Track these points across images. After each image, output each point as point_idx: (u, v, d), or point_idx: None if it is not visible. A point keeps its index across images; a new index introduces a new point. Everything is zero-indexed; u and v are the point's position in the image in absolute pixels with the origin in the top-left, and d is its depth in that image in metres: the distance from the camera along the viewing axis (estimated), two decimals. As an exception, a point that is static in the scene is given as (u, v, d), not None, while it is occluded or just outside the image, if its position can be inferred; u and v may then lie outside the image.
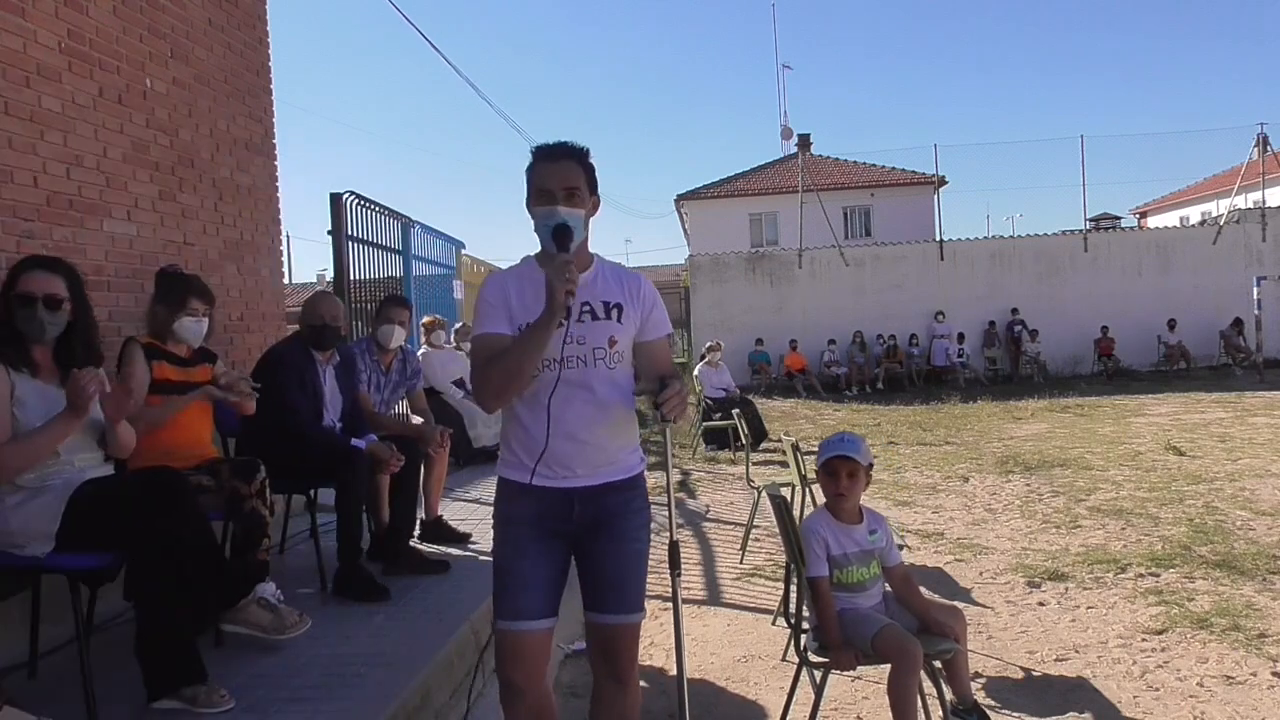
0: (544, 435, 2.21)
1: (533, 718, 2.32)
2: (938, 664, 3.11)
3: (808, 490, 5.56)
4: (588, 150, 2.29)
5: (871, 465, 3.24)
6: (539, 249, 2.34)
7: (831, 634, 3.02)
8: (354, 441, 4.27)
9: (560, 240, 2.19)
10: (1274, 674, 3.60)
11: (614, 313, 2.28)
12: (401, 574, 4.31)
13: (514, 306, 2.23)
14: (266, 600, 3.37)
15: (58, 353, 3.05)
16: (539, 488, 2.26)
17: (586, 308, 2.26)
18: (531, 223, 2.29)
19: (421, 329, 8.01)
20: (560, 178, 2.22)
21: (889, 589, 3.26)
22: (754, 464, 8.14)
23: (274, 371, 4.23)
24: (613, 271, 2.38)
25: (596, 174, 2.31)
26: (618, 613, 2.29)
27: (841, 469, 3.16)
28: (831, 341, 19.06)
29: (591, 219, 2.31)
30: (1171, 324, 18.56)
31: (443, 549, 4.85)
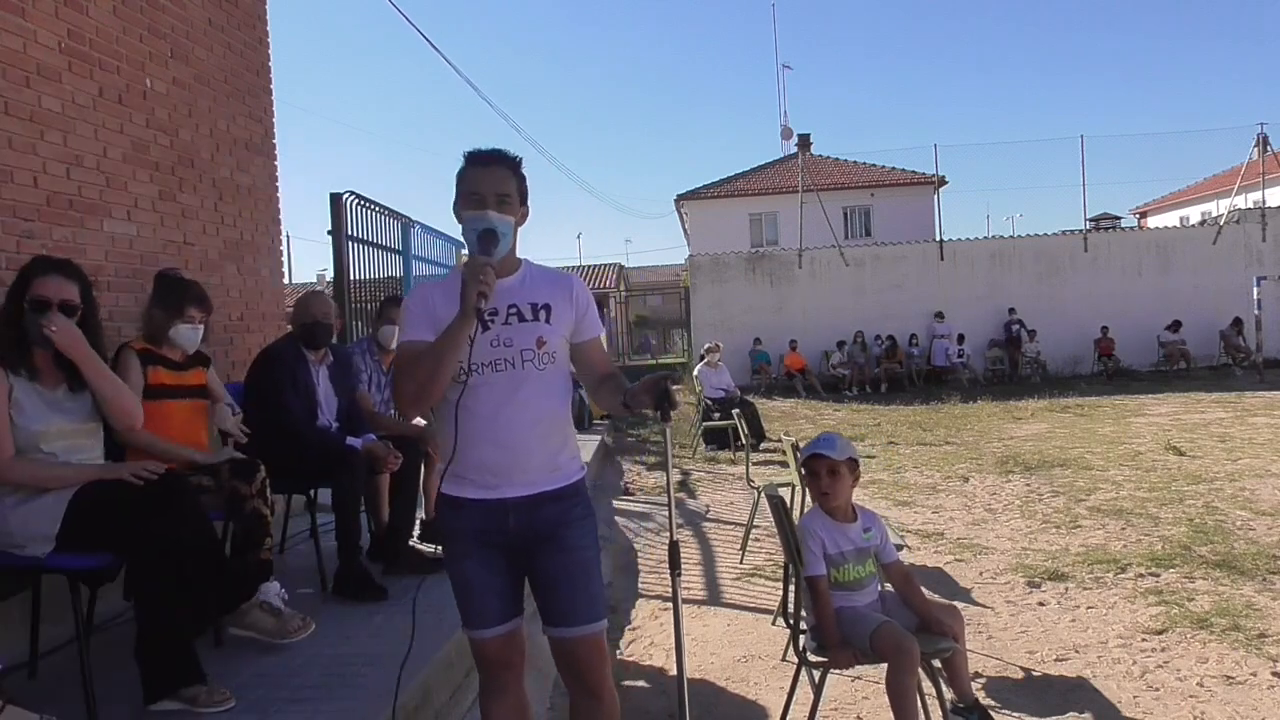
0: (468, 441, 2.17)
1: (509, 715, 2.34)
2: (937, 663, 3.12)
3: (807, 490, 5.55)
4: (521, 160, 2.28)
5: (855, 461, 3.23)
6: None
7: (830, 633, 3.02)
8: (350, 441, 4.27)
9: (485, 245, 2.17)
10: (1274, 674, 3.60)
11: (542, 314, 2.26)
12: (401, 574, 4.31)
13: (439, 315, 2.18)
14: (270, 604, 3.37)
15: (59, 356, 3.04)
16: (471, 500, 2.23)
17: (513, 310, 2.24)
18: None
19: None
20: (492, 183, 2.21)
21: (887, 587, 3.26)
22: (754, 464, 8.14)
23: (267, 371, 4.24)
24: (542, 274, 2.36)
25: (528, 185, 2.30)
26: (574, 625, 2.23)
27: (820, 468, 3.17)
28: (841, 343, 19.04)
29: (520, 228, 2.29)
30: (1176, 325, 18.54)
31: (443, 549, 4.85)
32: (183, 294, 3.73)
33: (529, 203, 2.32)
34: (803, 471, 3.27)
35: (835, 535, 3.15)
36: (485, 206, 2.19)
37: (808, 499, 5.54)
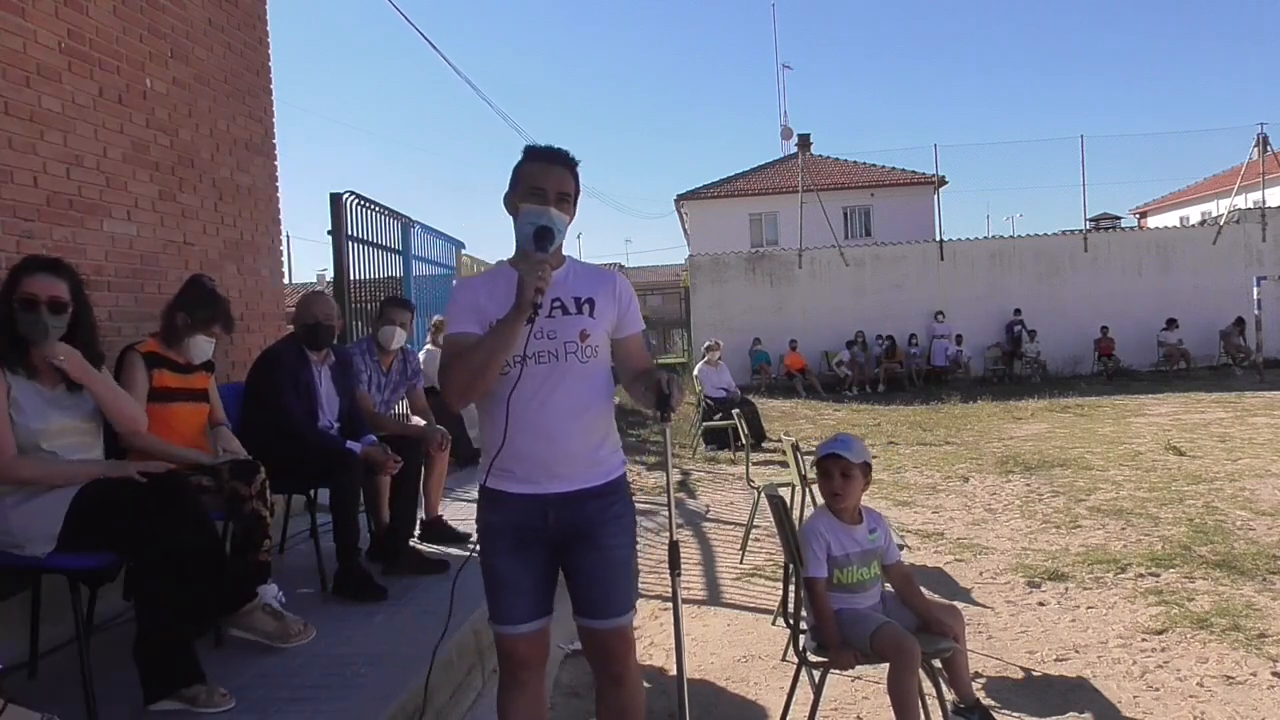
0: (503, 433, 2.19)
1: (526, 713, 2.35)
2: (937, 664, 3.12)
3: (807, 490, 5.56)
4: (579, 162, 2.32)
5: (869, 464, 3.22)
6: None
7: (829, 634, 3.02)
8: (349, 444, 4.26)
9: (540, 241, 2.21)
10: (1274, 674, 3.60)
11: (585, 307, 2.28)
12: (401, 574, 4.31)
13: (484, 308, 2.22)
14: (272, 607, 3.38)
15: None
16: (512, 494, 2.24)
17: (557, 303, 2.27)
18: (511, 220, 2.30)
19: (431, 328, 8.02)
20: (555, 181, 2.24)
21: (888, 588, 3.26)
22: (754, 464, 8.14)
23: (268, 372, 4.23)
24: (585, 269, 2.39)
25: (580, 186, 2.34)
26: (604, 618, 2.28)
27: (834, 469, 3.16)
28: (850, 342, 18.98)
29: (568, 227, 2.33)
30: (1172, 323, 18.54)
31: (443, 549, 4.86)
32: (214, 311, 3.75)
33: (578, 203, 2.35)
34: (808, 469, 3.26)
35: (841, 537, 3.14)
36: (547, 202, 2.22)
37: (808, 499, 5.56)
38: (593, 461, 2.27)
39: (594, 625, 2.29)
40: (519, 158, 2.30)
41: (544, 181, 2.23)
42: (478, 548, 2.34)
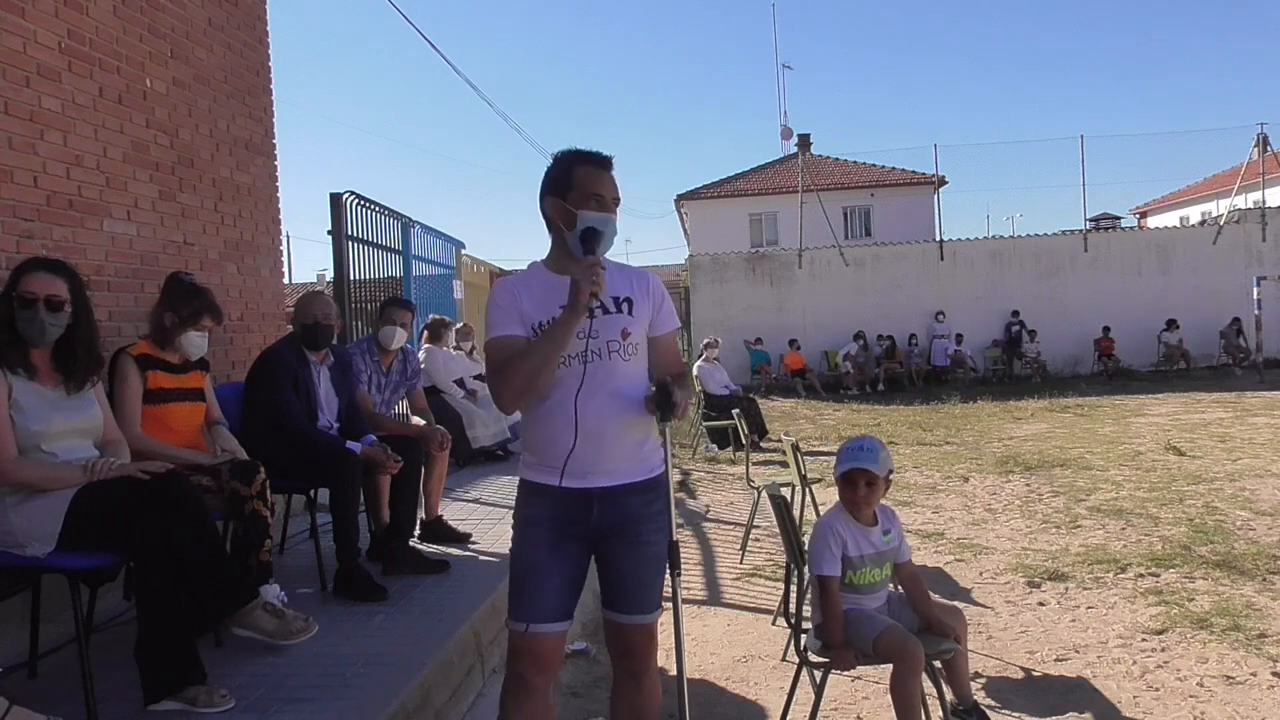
0: (573, 434, 2.22)
1: (535, 717, 2.33)
2: (938, 664, 3.12)
3: (808, 490, 5.56)
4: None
5: (891, 472, 3.20)
6: (545, 253, 2.40)
7: (835, 634, 3.02)
8: (349, 444, 4.26)
9: (589, 244, 2.24)
10: (1274, 674, 3.61)
11: (625, 306, 2.33)
12: (401, 574, 4.31)
13: (525, 309, 2.27)
14: (273, 605, 3.37)
15: (57, 356, 3.04)
16: (562, 489, 2.27)
17: (598, 304, 2.29)
18: (542, 219, 2.35)
19: (426, 328, 8.02)
20: (612, 187, 2.30)
21: (893, 589, 3.26)
22: (754, 464, 8.14)
23: (267, 372, 4.23)
24: (619, 269, 2.42)
25: None
26: (633, 613, 2.32)
27: (860, 480, 3.13)
28: (858, 335, 18.94)
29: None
30: (1172, 323, 18.54)
31: (443, 549, 4.85)
32: (199, 305, 3.74)
33: None
34: (837, 478, 3.21)
35: (858, 538, 3.12)
36: (606, 208, 2.28)
37: (808, 499, 5.56)
38: (638, 457, 2.32)
39: (623, 620, 2.33)
40: (558, 160, 2.34)
41: (603, 187, 2.28)
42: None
